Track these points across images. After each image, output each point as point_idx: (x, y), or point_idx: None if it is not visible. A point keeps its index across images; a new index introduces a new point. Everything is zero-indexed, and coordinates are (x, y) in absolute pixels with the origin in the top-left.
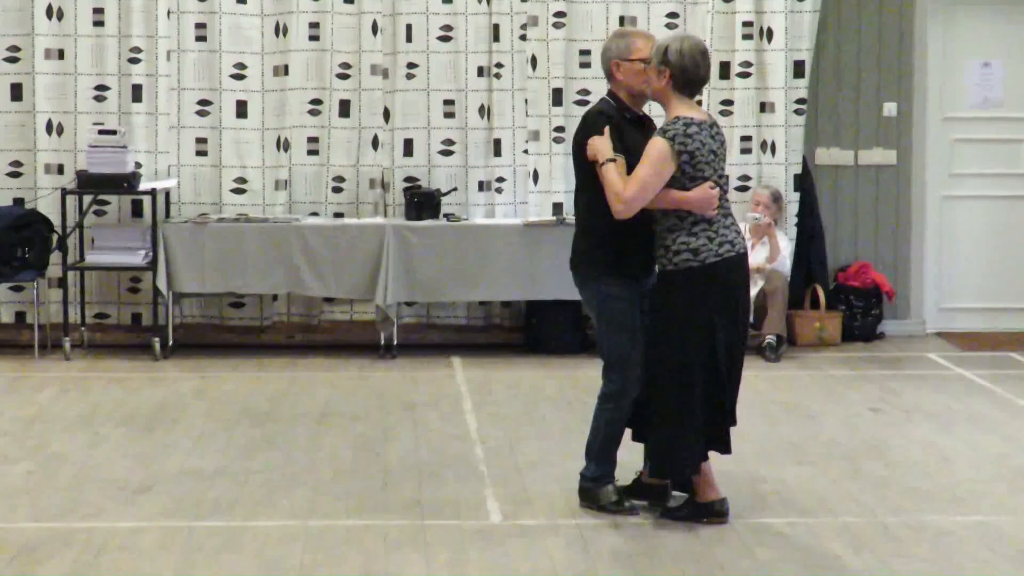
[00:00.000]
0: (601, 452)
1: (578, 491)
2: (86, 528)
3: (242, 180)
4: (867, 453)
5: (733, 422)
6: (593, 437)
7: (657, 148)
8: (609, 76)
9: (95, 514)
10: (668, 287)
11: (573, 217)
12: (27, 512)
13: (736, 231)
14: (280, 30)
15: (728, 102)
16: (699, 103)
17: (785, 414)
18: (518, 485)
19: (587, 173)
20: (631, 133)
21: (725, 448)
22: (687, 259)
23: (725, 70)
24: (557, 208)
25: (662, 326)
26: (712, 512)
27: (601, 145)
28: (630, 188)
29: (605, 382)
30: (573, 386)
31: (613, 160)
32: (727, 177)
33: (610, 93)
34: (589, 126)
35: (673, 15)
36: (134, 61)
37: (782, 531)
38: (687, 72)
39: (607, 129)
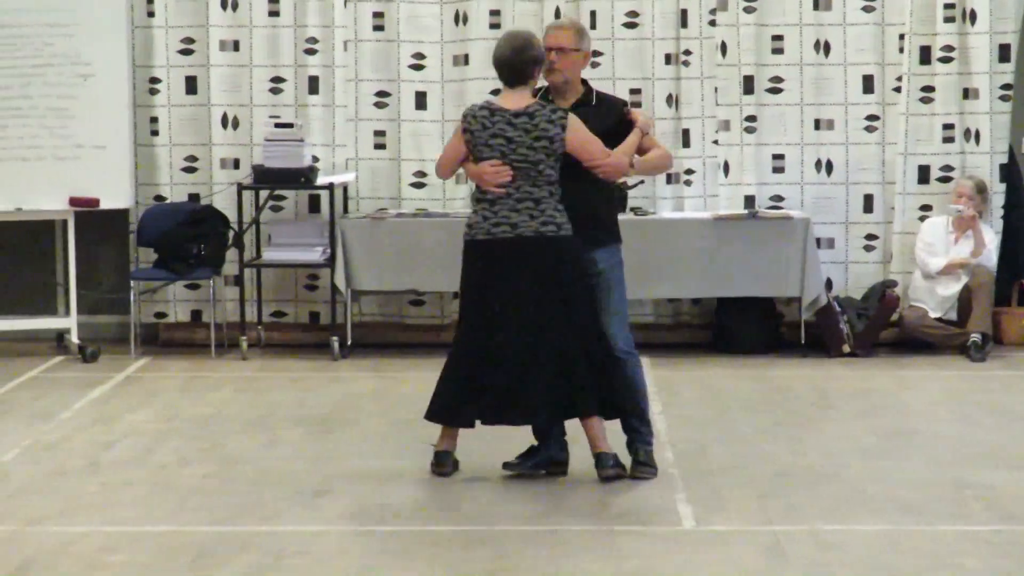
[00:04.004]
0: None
1: (645, 461)
2: (264, 531)
3: (421, 174)
4: None
5: (527, 412)
6: (637, 395)
7: (455, 126)
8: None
9: (273, 517)
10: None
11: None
12: (204, 515)
13: (533, 215)
14: (460, 18)
15: (929, 88)
16: (542, 90)
17: (988, 416)
18: (710, 489)
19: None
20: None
21: (480, 419)
22: (465, 232)
23: (926, 55)
24: (748, 201)
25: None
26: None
27: None
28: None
29: (626, 337)
30: (765, 386)
31: None
32: (537, 163)
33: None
34: None
35: None
36: (310, 52)
37: (989, 539)
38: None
39: None
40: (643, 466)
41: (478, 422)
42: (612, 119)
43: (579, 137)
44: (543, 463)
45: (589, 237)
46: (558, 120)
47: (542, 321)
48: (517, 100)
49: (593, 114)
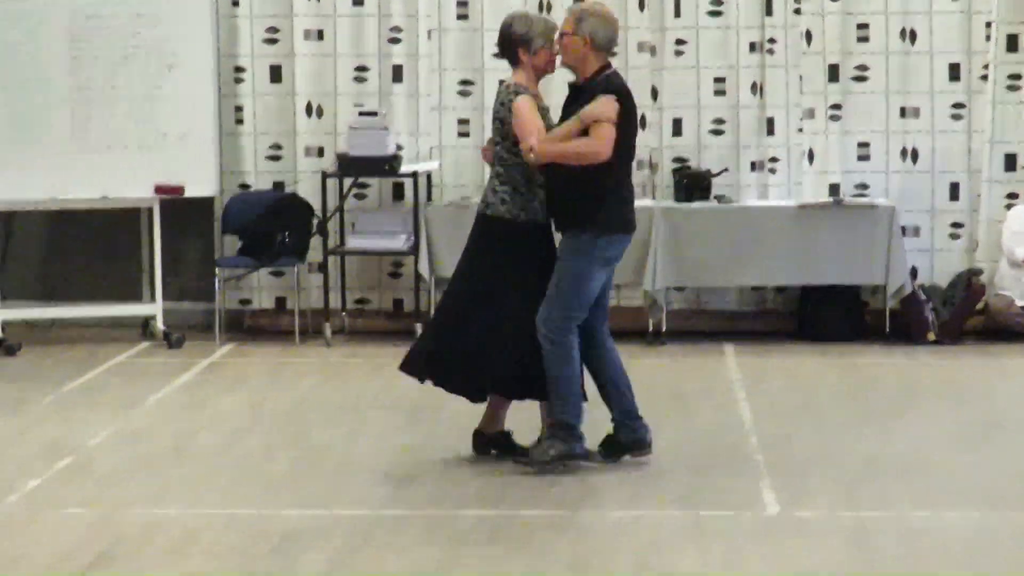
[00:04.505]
0: None
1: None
2: (350, 516)
3: None
4: None
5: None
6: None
7: None
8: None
9: (359, 502)
10: None
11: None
12: (290, 500)
13: (486, 192)
14: (543, 6)
15: (1016, 76)
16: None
17: None
18: (796, 477)
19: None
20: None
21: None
22: None
23: (1013, 43)
24: (833, 189)
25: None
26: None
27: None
28: None
29: (552, 324)
30: (852, 375)
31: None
32: (496, 142)
33: None
34: None
35: None
36: (394, 41)
37: None
38: None
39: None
40: (523, 455)
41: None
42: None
43: (517, 120)
44: (628, 447)
45: (557, 220)
46: (508, 101)
47: (468, 295)
48: (511, 78)
49: (584, 98)
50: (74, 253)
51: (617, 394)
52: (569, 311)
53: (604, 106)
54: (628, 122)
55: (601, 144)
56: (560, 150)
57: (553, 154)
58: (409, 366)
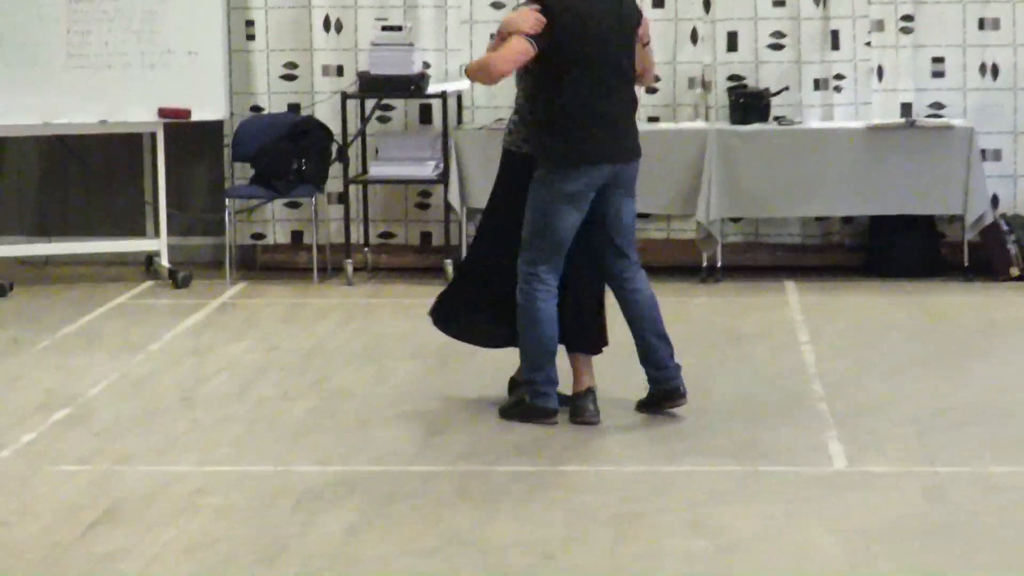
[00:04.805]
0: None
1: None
2: (374, 472)
3: None
4: None
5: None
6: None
7: None
8: None
9: (384, 457)
10: None
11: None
12: (309, 454)
13: (508, 125)
14: None
15: None
16: None
17: None
18: (864, 427)
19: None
20: None
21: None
22: None
23: None
24: (905, 109)
25: None
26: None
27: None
28: None
29: (637, 262)
30: (925, 313)
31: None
32: None
33: None
34: None
35: None
36: None
37: None
38: None
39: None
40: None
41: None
42: None
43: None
44: (658, 400)
45: None
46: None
47: (490, 233)
48: None
49: None
50: (70, 184)
51: (641, 342)
52: (534, 253)
53: (516, 16)
54: (562, 32)
55: (495, 58)
56: (470, 67)
57: (468, 73)
58: (436, 315)
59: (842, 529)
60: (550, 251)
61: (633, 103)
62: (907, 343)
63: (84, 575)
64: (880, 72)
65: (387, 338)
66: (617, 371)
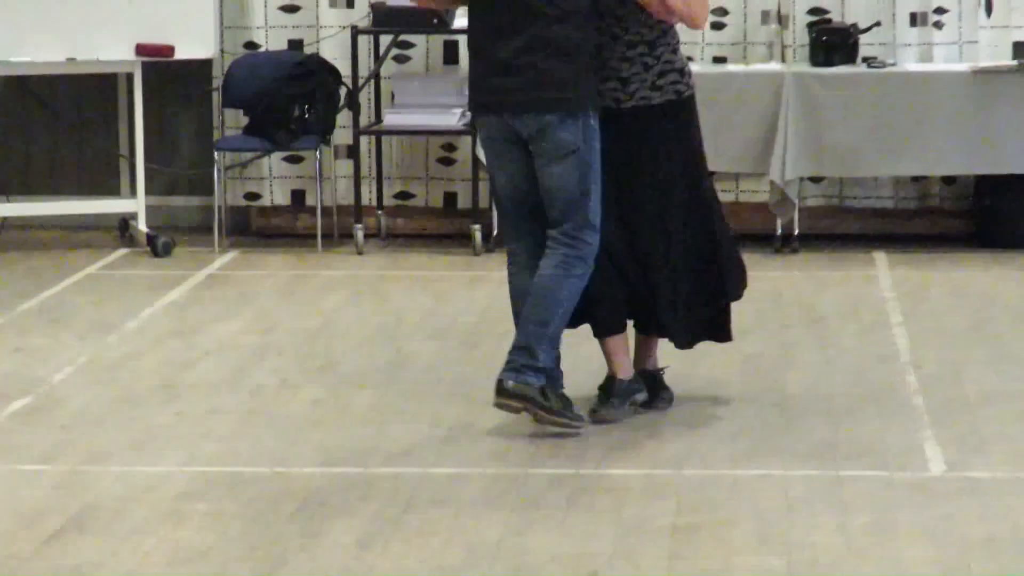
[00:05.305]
0: (555, 336)
1: (523, 396)
2: (389, 475)
3: None
4: None
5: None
6: (551, 316)
7: None
8: None
9: (401, 456)
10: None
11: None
12: (314, 452)
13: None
14: None
15: None
16: None
17: None
18: (967, 425)
19: None
20: None
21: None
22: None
23: None
24: (1018, 49)
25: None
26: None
27: None
28: None
29: (577, 242)
30: None
31: None
32: None
33: None
34: None
35: None
36: None
37: None
38: None
39: None
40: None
41: None
42: None
43: None
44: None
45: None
46: None
47: None
48: None
49: None
50: (32, 133)
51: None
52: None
53: None
54: None
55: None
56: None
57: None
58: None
59: (939, 544)
60: (500, 208)
61: (549, 44)
62: (1018, 326)
63: None
64: (988, 5)
65: (404, 316)
66: (673, 361)
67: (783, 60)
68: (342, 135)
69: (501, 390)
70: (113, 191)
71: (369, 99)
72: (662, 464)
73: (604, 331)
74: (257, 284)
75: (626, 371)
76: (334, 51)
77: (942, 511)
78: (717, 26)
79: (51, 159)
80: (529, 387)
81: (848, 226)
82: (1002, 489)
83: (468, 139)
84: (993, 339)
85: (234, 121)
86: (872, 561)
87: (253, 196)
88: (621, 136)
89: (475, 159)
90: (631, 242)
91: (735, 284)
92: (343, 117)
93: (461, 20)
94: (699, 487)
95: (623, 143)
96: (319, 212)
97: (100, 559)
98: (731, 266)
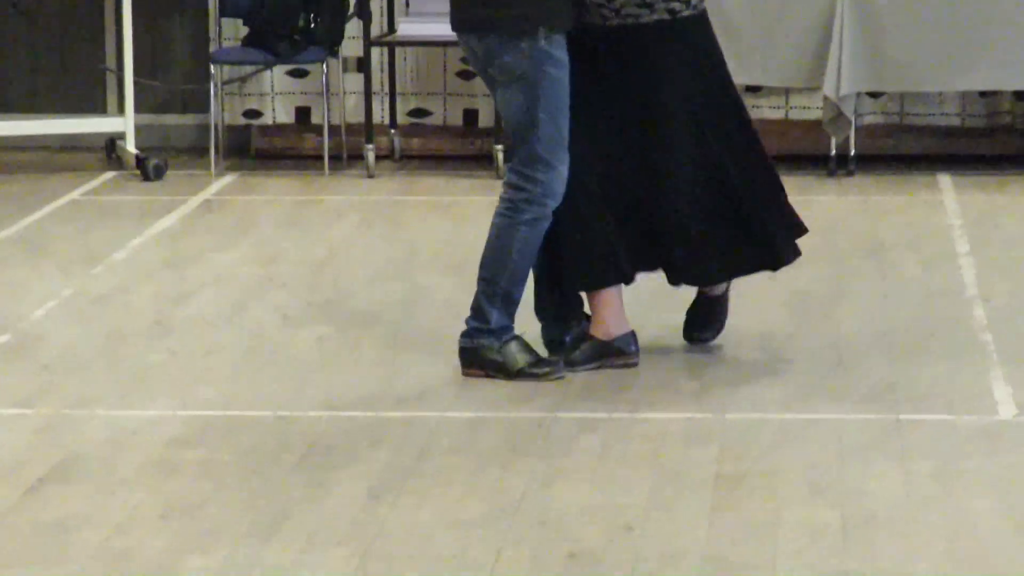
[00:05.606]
0: (508, 293)
1: (461, 354)
2: (402, 419)
3: None
4: None
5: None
6: (500, 271)
7: None
8: None
9: (415, 399)
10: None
11: None
12: (319, 395)
13: None
14: None
15: None
16: None
17: None
18: None
19: None
20: None
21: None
22: None
23: None
24: None
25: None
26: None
27: None
28: None
29: (525, 180)
30: None
31: None
32: None
33: None
34: None
35: None
36: None
37: None
38: None
39: None
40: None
41: None
42: None
43: None
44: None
45: None
46: None
47: None
48: None
49: None
50: (10, 46)
51: None
52: None
53: None
54: None
55: None
56: None
57: None
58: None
59: (1009, 495)
60: None
61: None
62: None
63: (28, 548)
64: None
65: (419, 246)
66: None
67: None
68: (351, 46)
69: (461, 357)
70: (99, 108)
71: (381, 6)
72: (704, 408)
73: (585, 284)
74: (257, 211)
75: (605, 332)
76: None
77: (1012, 458)
78: None
79: (32, 74)
80: (486, 352)
81: (910, 146)
82: None
83: None
84: None
85: (232, 31)
86: (935, 513)
87: (253, 114)
88: (609, 59)
89: None
90: (622, 182)
91: (783, 246)
92: (352, 26)
93: None
94: (744, 433)
95: (609, 67)
96: (326, 131)
97: (85, 512)
98: (775, 226)
